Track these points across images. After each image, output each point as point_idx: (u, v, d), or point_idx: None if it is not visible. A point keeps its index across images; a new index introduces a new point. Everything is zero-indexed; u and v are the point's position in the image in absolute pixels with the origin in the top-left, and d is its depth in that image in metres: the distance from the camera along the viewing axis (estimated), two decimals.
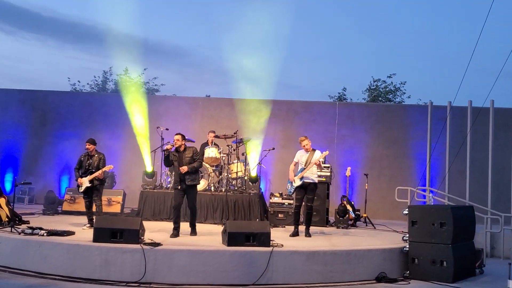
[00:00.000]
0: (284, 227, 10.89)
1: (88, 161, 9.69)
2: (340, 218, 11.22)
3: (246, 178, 12.05)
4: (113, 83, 29.95)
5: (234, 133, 12.08)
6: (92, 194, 9.69)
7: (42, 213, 11.79)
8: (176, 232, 8.81)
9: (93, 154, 9.77)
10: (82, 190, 9.65)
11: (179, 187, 8.98)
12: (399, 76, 27.66)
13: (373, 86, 27.79)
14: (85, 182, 9.55)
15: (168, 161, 9.20)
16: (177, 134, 9.24)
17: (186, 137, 12.05)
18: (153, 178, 12.45)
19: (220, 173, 12.18)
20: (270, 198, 11.60)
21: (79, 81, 29.84)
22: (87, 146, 9.76)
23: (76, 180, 9.75)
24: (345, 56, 69.90)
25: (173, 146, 9.22)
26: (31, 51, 60.94)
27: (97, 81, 29.79)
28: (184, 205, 9.39)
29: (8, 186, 15.07)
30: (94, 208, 9.73)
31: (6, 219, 9.18)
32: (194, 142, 11.91)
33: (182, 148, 9.19)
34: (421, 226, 8.09)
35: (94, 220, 9.40)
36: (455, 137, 12.43)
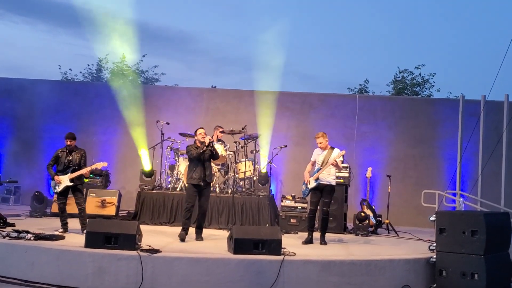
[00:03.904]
0: (297, 233, 10.90)
1: (68, 157, 9.54)
2: (360, 225, 11.19)
3: (255, 178, 12.06)
4: (109, 71, 30.09)
5: (242, 129, 12.06)
6: (67, 195, 9.59)
7: (29, 214, 11.86)
8: (185, 233, 9.22)
9: (73, 149, 9.65)
10: (60, 190, 9.47)
11: (201, 184, 9.31)
12: (428, 67, 27.44)
13: (399, 77, 27.67)
14: (64, 180, 9.42)
15: (203, 154, 9.43)
16: (200, 128, 9.61)
17: (189, 133, 12.18)
18: (152, 177, 12.48)
19: (226, 173, 12.20)
20: (282, 201, 11.60)
21: (71, 69, 29.94)
22: (68, 143, 9.59)
23: (52, 178, 9.55)
24: (367, 44, 69.74)
25: (211, 140, 9.54)
26: (20, 36, 61.41)
27: (90, 69, 29.93)
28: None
29: None
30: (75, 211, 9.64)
31: None
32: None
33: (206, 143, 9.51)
34: (450, 235, 8.05)
35: (68, 225, 9.49)
36: (490, 135, 12.37)
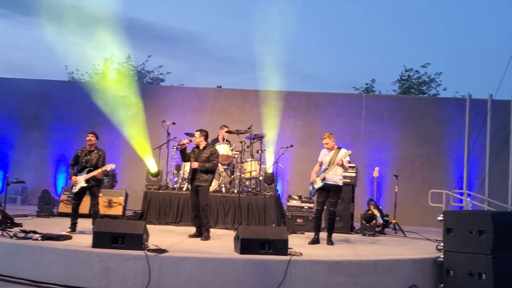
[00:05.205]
0: (304, 233, 10.88)
1: (86, 157, 9.49)
2: (367, 225, 11.17)
3: (261, 178, 12.05)
4: (114, 72, 30.12)
5: (248, 128, 12.08)
6: (83, 196, 9.60)
7: (36, 215, 11.88)
8: (197, 233, 9.53)
9: (92, 149, 9.61)
10: (76, 190, 9.45)
11: (190, 185, 9.63)
12: (434, 66, 27.43)
13: (405, 76, 27.61)
14: (80, 181, 9.39)
15: (184, 156, 9.75)
16: (197, 130, 9.76)
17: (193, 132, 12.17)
18: (158, 177, 12.50)
19: (232, 173, 12.20)
20: (288, 201, 11.58)
21: (77, 70, 30.03)
22: (90, 138, 9.57)
23: (70, 178, 9.54)
24: (373, 43, 69.56)
25: (190, 141, 9.75)
26: (26, 36, 61.46)
27: (97, 69, 29.98)
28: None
29: None
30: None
31: None
32: None
33: (202, 146, 9.67)
34: (457, 234, 8.02)
35: (77, 225, 9.46)
36: (497, 135, 12.32)
